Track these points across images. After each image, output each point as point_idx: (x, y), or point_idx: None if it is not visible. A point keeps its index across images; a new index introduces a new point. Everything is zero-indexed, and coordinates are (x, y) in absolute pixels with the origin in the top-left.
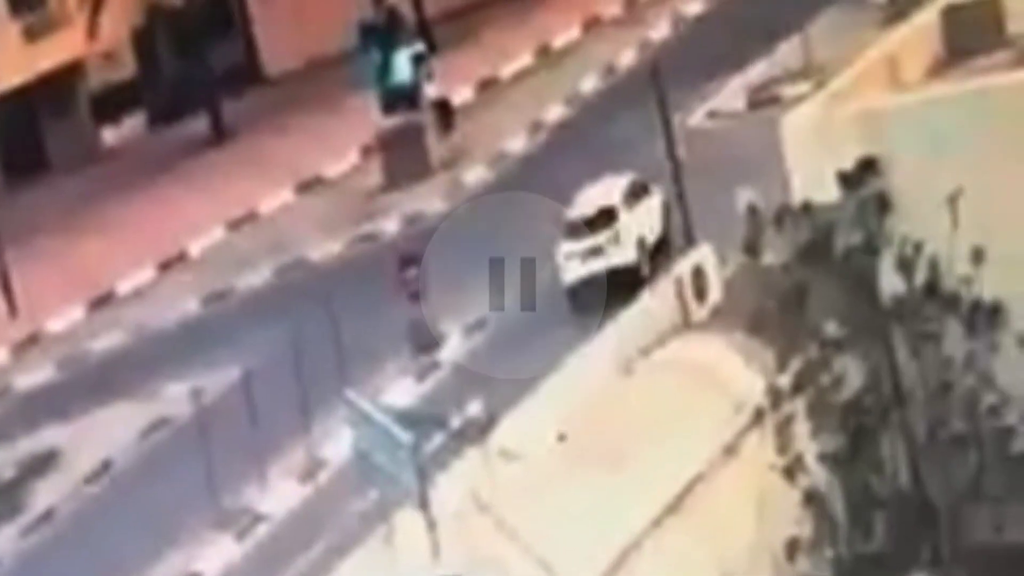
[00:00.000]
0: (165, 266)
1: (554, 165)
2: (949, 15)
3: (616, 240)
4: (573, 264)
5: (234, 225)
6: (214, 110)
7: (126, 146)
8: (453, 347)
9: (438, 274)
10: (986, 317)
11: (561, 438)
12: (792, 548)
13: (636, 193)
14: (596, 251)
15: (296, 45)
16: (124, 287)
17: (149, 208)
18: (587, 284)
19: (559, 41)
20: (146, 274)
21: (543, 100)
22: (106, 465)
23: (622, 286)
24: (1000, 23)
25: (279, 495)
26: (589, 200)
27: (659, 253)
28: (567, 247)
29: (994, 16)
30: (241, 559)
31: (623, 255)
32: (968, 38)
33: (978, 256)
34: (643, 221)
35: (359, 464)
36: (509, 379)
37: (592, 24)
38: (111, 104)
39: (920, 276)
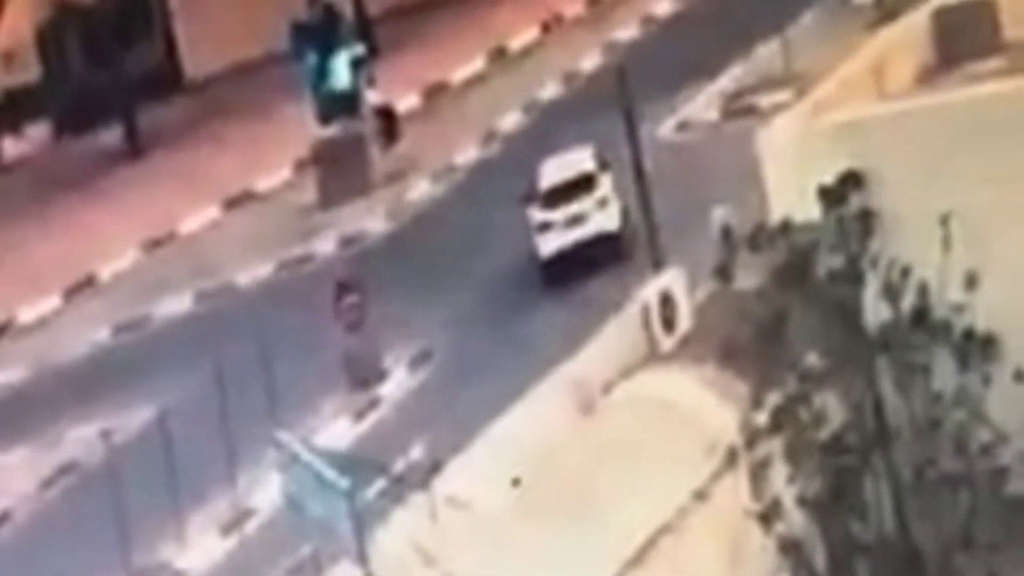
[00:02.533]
0: (72, 292)
1: (509, 179)
2: (940, 18)
3: (602, 205)
4: (552, 235)
5: (151, 246)
6: (129, 119)
7: (29, 158)
8: (395, 383)
9: (379, 302)
10: (979, 348)
11: (515, 484)
12: None
13: (604, 164)
14: (579, 218)
15: (221, 47)
16: (25, 316)
17: (55, 227)
18: (565, 257)
19: (516, 43)
20: (50, 301)
21: (497, 108)
22: (3, 517)
23: (603, 258)
24: (995, 26)
25: (200, 549)
26: (561, 168)
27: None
28: (543, 216)
29: (989, 19)
30: None
31: (609, 221)
32: (961, 43)
33: (971, 281)
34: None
35: (290, 513)
36: (458, 419)
37: (552, 25)
38: (11, 111)
39: (908, 302)
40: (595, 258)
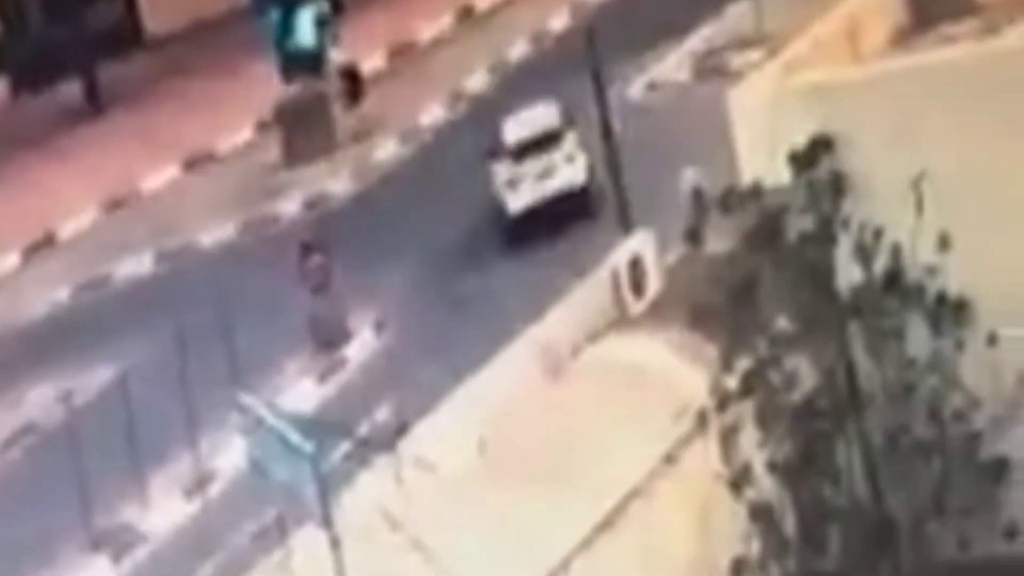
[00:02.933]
0: (31, 251)
1: (476, 140)
2: None
3: (570, 159)
4: (521, 190)
5: (111, 205)
6: (89, 76)
7: None
8: (361, 345)
9: (345, 263)
10: (952, 312)
11: (482, 447)
12: (738, 568)
13: (570, 120)
14: (548, 172)
15: (182, 3)
16: None
17: (12, 186)
18: (534, 212)
19: (483, 2)
20: (8, 260)
21: (464, 68)
22: None
23: (572, 213)
24: None
25: (161, 512)
26: (527, 123)
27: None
28: (511, 172)
29: None
30: None
31: (576, 175)
32: (935, 4)
33: (944, 244)
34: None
35: (253, 477)
36: (424, 381)
37: None
38: None
39: (880, 266)
40: (564, 213)
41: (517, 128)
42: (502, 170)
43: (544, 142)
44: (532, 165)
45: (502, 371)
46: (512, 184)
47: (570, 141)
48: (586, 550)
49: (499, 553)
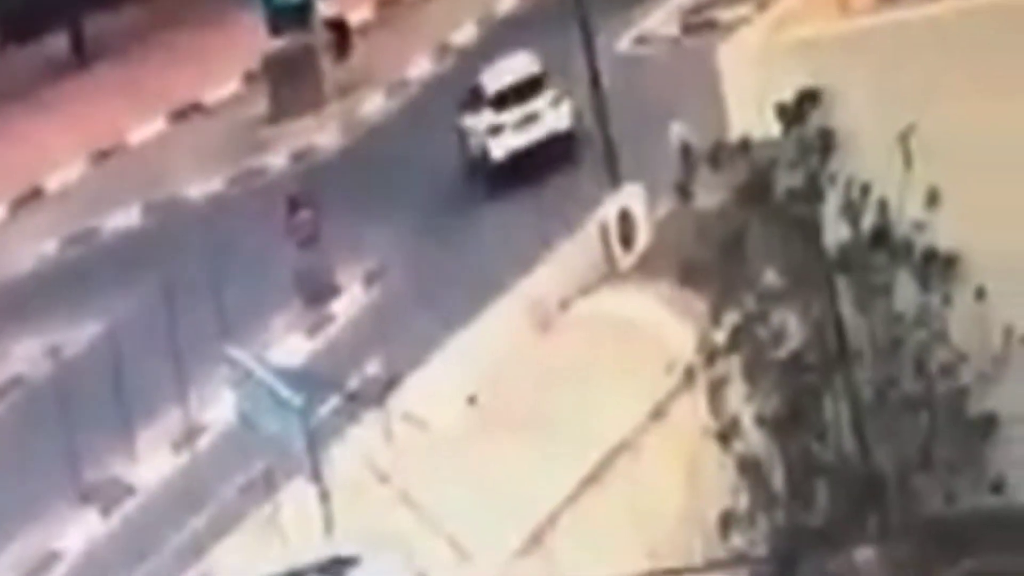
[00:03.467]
0: (18, 204)
1: (463, 93)
2: None
3: (555, 104)
4: (505, 136)
5: (98, 158)
6: (75, 27)
7: None
8: (350, 299)
9: (332, 217)
10: (940, 267)
11: (471, 401)
12: (726, 521)
13: (548, 69)
14: (533, 117)
15: None
16: None
17: None
18: (519, 157)
19: None
20: None
21: (451, 21)
22: None
23: (556, 158)
24: None
25: (150, 465)
26: (509, 70)
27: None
28: (495, 119)
29: None
30: (106, 536)
31: (561, 120)
32: None
33: (932, 199)
34: None
35: (242, 430)
36: (413, 335)
37: None
38: None
39: (868, 221)
40: (548, 158)
41: (497, 77)
42: (486, 118)
43: (528, 88)
44: (517, 111)
45: (492, 325)
46: (496, 131)
47: (553, 86)
48: (574, 503)
49: (487, 506)
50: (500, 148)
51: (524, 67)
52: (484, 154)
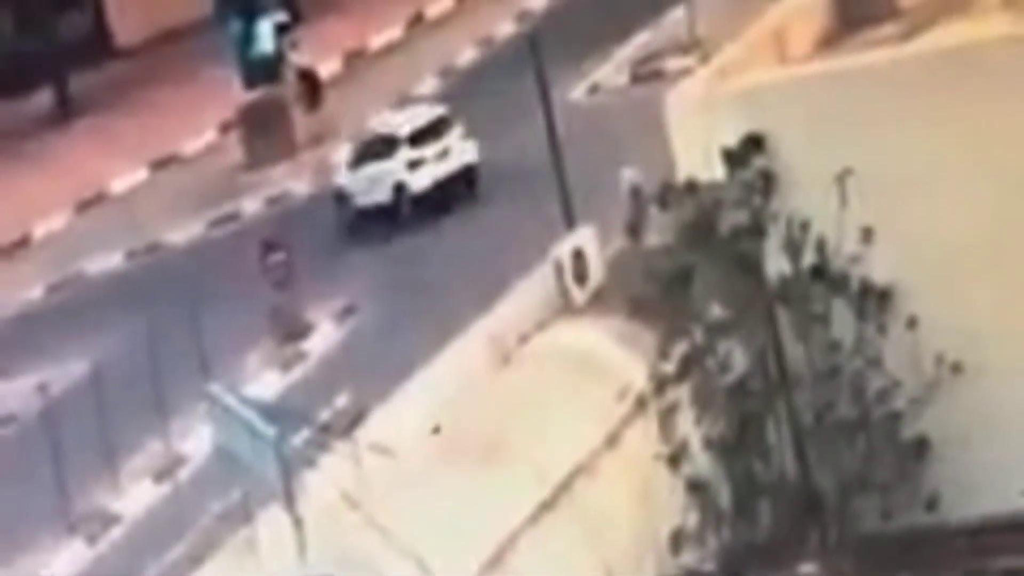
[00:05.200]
0: (6, 251)
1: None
2: None
3: (463, 139)
4: (424, 170)
5: (83, 206)
6: (60, 83)
7: None
8: (321, 336)
9: (305, 259)
10: (875, 299)
11: (436, 431)
12: (677, 539)
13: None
14: (446, 152)
15: (149, 14)
16: None
17: None
18: (434, 189)
19: (432, 10)
20: None
21: (415, 73)
22: None
23: (465, 190)
24: None
25: (133, 495)
26: (413, 116)
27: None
28: (414, 155)
29: None
30: (92, 563)
31: (470, 154)
32: (859, 9)
33: (867, 236)
34: None
35: (220, 461)
36: (380, 369)
37: None
38: None
39: (807, 257)
40: (459, 189)
41: (409, 120)
42: (398, 157)
43: (439, 126)
44: (433, 147)
45: (455, 359)
46: (415, 166)
47: (458, 127)
48: (533, 525)
49: (451, 530)
50: (420, 180)
51: (427, 112)
52: (401, 190)
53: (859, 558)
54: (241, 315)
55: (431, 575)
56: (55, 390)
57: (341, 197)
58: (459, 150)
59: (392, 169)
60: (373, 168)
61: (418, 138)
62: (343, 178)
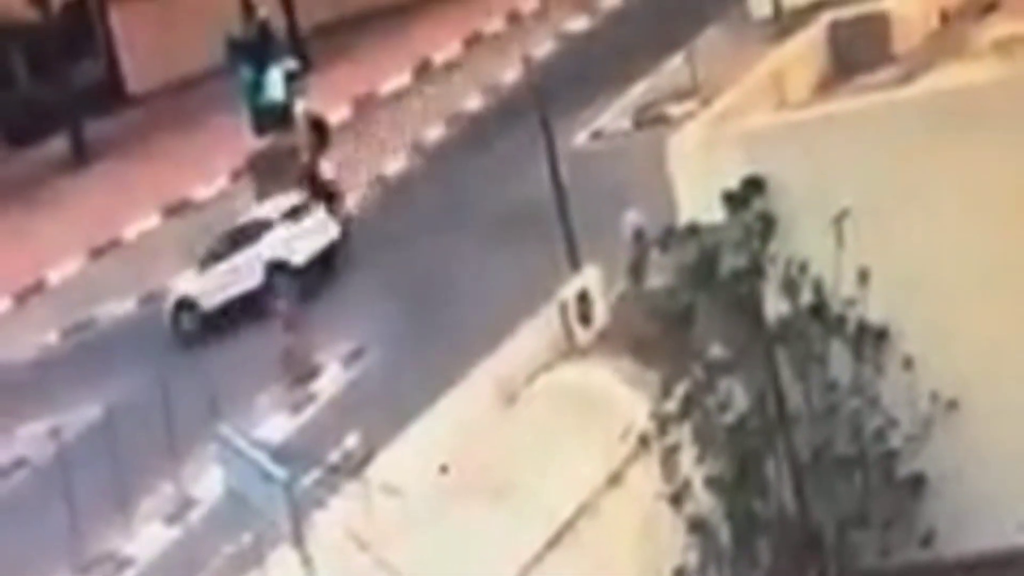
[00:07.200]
0: (21, 297)
1: (434, 187)
2: (835, 31)
3: (333, 215)
4: (304, 243)
5: (96, 252)
6: (74, 130)
7: None
8: (330, 378)
9: (315, 302)
10: (872, 339)
11: (443, 470)
12: None
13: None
14: (321, 227)
15: (161, 62)
16: None
17: (4, 235)
18: (313, 262)
19: (440, 57)
20: (1, 305)
21: (423, 120)
22: None
23: (334, 260)
24: (887, 39)
25: (145, 538)
26: (283, 201)
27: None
28: (290, 231)
29: (881, 32)
30: None
31: (335, 230)
32: (855, 54)
33: (864, 277)
34: None
35: (231, 503)
36: (389, 411)
37: (474, 41)
38: None
39: (805, 298)
40: (332, 261)
41: (283, 201)
42: (276, 235)
43: (307, 206)
44: (311, 220)
45: (462, 399)
46: (295, 239)
47: (319, 208)
48: (539, 564)
49: (460, 568)
50: (301, 254)
51: (287, 200)
52: (281, 264)
53: None
54: (251, 358)
55: None
56: (68, 434)
57: (183, 306)
58: (332, 224)
59: (267, 248)
60: (237, 258)
61: (294, 214)
62: (188, 285)
